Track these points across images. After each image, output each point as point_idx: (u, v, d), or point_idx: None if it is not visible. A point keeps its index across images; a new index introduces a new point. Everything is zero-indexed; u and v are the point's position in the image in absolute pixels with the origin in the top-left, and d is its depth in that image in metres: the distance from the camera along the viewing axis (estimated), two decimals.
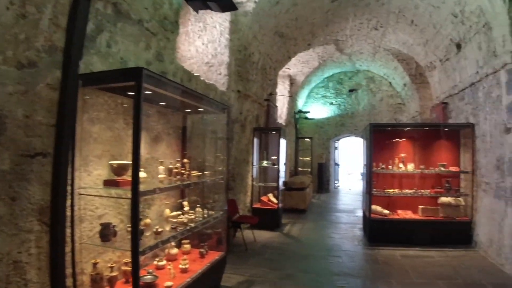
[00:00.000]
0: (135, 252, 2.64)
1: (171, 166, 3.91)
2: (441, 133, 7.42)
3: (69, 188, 2.78)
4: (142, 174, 2.99)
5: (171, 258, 4.06)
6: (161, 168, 3.70)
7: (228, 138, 4.99)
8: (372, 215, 7.01)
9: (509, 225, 5.14)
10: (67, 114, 2.70)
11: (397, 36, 9.58)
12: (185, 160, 4.27)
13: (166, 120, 4.34)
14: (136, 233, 2.64)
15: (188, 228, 3.72)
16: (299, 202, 10.47)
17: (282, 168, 8.92)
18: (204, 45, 6.37)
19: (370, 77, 14.90)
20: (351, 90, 15.14)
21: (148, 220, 3.55)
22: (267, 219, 7.84)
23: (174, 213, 4.02)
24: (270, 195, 8.81)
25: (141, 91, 2.65)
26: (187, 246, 4.35)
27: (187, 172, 4.06)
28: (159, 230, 3.27)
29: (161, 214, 4.09)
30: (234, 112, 6.89)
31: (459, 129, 7.33)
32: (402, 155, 7.40)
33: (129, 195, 2.66)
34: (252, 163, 8.43)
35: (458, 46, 6.92)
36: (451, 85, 7.86)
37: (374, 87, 14.92)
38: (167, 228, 3.55)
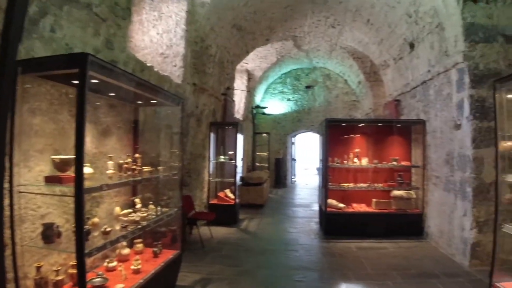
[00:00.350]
0: (81, 254, 2.44)
1: (121, 162, 3.66)
2: (394, 129, 7.70)
3: (7, 185, 2.53)
4: (88, 170, 2.78)
5: (123, 259, 3.84)
6: (110, 163, 3.45)
7: (183, 133, 4.82)
8: (328, 209, 7.14)
9: (459, 217, 5.41)
10: (3, 103, 2.44)
11: (353, 35, 9.79)
12: (137, 155, 4.05)
13: (116, 113, 4.09)
14: (81, 234, 2.43)
15: (140, 226, 3.53)
16: (256, 197, 10.49)
17: (239, 163, 8.83)
18: (159, 35, 6.09)
19: (327, 74, 15.21)
20: (308, 87, 15.37)
21: (96, 219, 3.32)
22: (224, 215, 7.75)
23: (125, 211, 3.81)
24: (227, 191, 8.71)
25: (86, 79, 2.43)
26: (139, 246, 4.14)
27: (138, 168, 3.85)
28: (108, 229, 3.05)
29: (111, 213, 3.85)
30: (189, 105, 6.70)
31: (411, 125, 7.63)
32: (357, 150, 7.58)
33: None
34: (209, 158, 8.28)
35: (412, 46, 7.17)
36: (403, 83, 8.15)
37: (330, 84, 15.25)
38: (117, 227, 3.34)
